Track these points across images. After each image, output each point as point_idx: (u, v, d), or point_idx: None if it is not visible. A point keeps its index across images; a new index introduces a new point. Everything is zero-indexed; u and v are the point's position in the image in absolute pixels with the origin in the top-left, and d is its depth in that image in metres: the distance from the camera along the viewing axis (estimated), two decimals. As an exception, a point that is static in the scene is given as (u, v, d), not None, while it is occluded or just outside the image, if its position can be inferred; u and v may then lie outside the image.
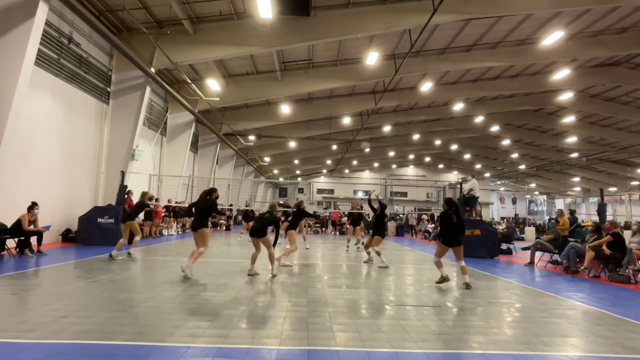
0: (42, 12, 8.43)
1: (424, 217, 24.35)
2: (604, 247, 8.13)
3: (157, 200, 15.32)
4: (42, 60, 10.07)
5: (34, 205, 8.67)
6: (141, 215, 14.11)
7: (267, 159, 34.26)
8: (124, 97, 13.42)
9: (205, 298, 5.17)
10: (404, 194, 48.10)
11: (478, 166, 44.75)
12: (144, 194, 9.37)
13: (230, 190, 27.06)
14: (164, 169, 18.05)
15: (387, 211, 11.63)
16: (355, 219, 13.07)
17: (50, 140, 10.76)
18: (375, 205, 9.20)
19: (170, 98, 17.02)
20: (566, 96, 21.16)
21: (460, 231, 6.56)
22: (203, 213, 6.91)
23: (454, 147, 33.80)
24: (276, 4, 11.05)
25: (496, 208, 51.70)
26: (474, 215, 12.70)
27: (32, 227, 8.57)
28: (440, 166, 48.35)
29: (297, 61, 16.69)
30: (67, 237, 11.36)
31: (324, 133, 25.64)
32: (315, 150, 33.86)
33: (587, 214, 41.23)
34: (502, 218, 36.57)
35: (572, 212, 12.91)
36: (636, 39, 15.77)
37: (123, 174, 12.10)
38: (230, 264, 8.35)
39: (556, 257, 9.77)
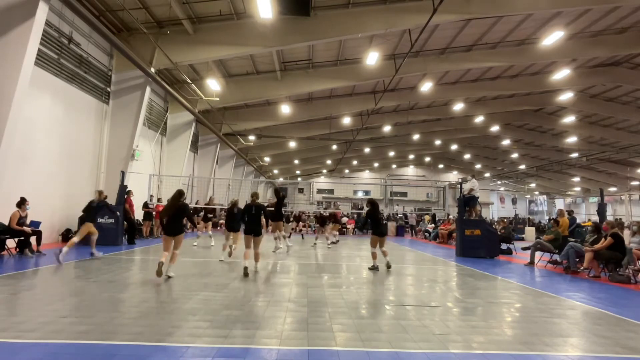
0: (42, 12, 8.42)
1: (427, 217, 24.44)
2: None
3: (159, 200, 15.32)
4: (42, 60, 10.06)
5: (23, 200, 8.41)
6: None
7: (267, 159, 34.24)
8: (124, 97, 13.41)
9: (205, 298, 5.17)
10: (404, 194, 48.12)
11: (478, 166, 44.74)
12: (100, 193, 9.20)
13: (230, 190, 27.03)
14: (164, 169, 18.05)
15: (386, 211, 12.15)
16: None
17: (50, 140, 10.75)
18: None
19: (170, 98, 17.02)
20: (566, 96, 21.15)
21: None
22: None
23: (454, 147, 33.80)
24: (276, 4, 11.05)
25: (496, 208, 51.64)
26: (474, 215, 12.69)
27: (22, 224, 8.32)
28: (440, 166, 48.34)
29: (297, 61, 16.68)
30: (67, 237, 11.31)
31: (324, 133, 25.64)
32: (315, 150, 33.84)
33: (587, 214, 41.20)
34: (501, 218, 36.42)
35: (570, 213, 12.92)
36: (636, 39, 15.76)
37: (123, 174, 12.10)
38: (232, 264, 8.35)
39: (556, 257, 9.77)
